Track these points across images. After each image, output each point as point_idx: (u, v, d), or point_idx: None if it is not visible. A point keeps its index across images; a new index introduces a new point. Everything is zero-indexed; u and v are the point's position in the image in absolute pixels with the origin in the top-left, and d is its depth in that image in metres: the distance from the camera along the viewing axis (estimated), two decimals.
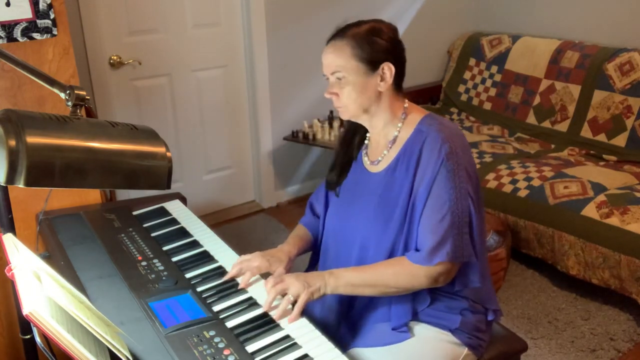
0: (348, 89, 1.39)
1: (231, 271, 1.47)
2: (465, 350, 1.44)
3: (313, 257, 1.68)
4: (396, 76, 1.40)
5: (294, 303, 1.32)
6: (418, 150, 1.38)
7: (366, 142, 1.55)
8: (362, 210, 1.47)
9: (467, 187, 1.36)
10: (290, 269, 1.51)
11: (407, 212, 1.39)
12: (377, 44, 1.38)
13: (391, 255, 1.42)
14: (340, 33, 1.41)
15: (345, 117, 1.47)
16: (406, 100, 1.48)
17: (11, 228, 1.48)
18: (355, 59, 1.37)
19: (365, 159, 1.53)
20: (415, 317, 1.44)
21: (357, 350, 1.43)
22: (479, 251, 1.42)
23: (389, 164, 1.44)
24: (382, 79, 1.39)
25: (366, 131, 1.53)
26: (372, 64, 1.38)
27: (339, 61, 1.38)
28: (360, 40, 1.37)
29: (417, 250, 1.38)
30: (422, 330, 1.44)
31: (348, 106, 1.42)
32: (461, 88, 3.98)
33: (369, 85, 1.39)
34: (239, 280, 1.45)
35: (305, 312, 1.33)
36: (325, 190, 1.64)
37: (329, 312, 1.53)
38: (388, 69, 1.39)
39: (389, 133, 1.46)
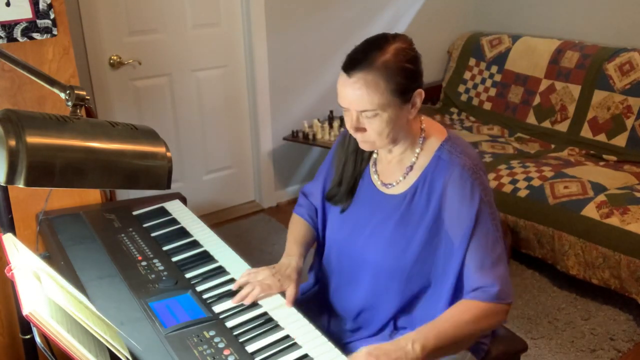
0: (381, 125, 1.26)
1: (245, 290, 1.37)
2: (468, 355, 1.44)
3: (318, 249, 1.60)
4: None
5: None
6: (441, 184, 1.29)
7: (375, 156, 1.45)
8: (374, 233, 1.38)
9: (499, 219, 1.32)
10: (299, 284, 1.42)
11: (426, 242, 1.32)
12: (408, 71, 1.25)
13: (409, 282, 1.35)
14: (366, 62, 1.23)
15: (368, 150, 1.37)
16: (422, 118, 1.38)
17: (11, 228, 1.48)
18: (391, 94, 1.24)
19: (374, 177, 1.43)
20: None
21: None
22: None
23: (406, 190, 1.36)
24: (413, 106, 1.29)
25: None
26: (405, 95, 1.26)
27: (373, 98, 1.23)
28: (393, 70, 1.23)
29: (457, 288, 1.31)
30: None
31: (376, 142, 1.31)
32: (461, 88, 3.98)
33: (401, 116, 1.28)
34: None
35: (312, 321, 1.30)
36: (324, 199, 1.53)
37: (337, 326, 1.51)
38: (419, 96, 1.28)
39: (405, 158, 1.37)
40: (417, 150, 1.36)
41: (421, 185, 1.33)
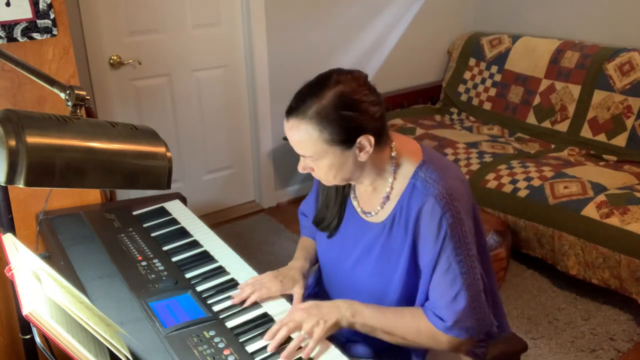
0: (324, 169, 1.25)
1: (244, 292, 1.37)
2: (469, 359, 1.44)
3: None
4: (376, 136, 1.23)
5: None
6: (415, 214, 1.25)
7: (353, 182, 1.39)
8: (359, 262, 1.37)
9: (474, 250, 1.27)
10: (306, 285, 1.44)
11: (409, 270, 1.30)
12: (348, 119, 1.18)
13: (400, 303, 1.33)
14: (301, 109, 1.20)
15: (327, 184, 1.35)
16: (393, 145, 1.30)
17: (11, 228, 1.48)
18: (325, 143, 1.19)
19: (355, 203, 1.40)
20: None
21: None
22: (491, 300, 1.38)
23: (384, 220, 1.32)
24: (362, 150, 1.22)
25: None
26: (346, 143, 1.20)
27: (307, 146, 1.21)
28: (327, 120, 1.18)
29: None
30: None
31: (328, 181, 1.30)
32: (461, 88, 3.98)
33: (347, 160, 1.23)
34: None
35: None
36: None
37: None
38: (367, 141, 1.21)
39: (379, 187, 1.32)
40: (390, 180, 1.30)
41: (398, 215, 1.29)
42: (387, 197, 1.31)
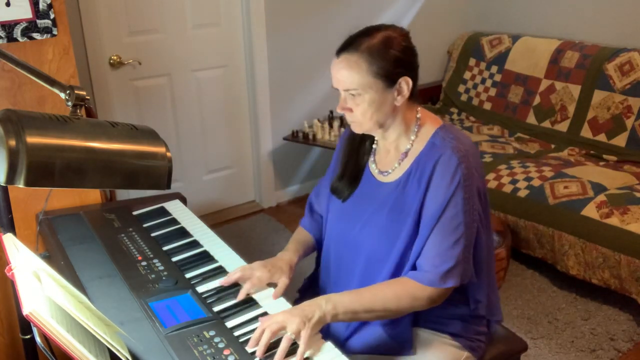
0: (364, 105, 1.33)
1: (232, 276, 1.42)
2: (465, 354, 1.44)
3: (318, 258, 1.64)
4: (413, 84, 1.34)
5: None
6: (431, 167, 1.33)
7: (374, 146, 1.49)
8: (369, 221, 1.42)
9: (479, 208, 1.33)
10: (292, 277, 1.46)
11: (415, 229, 1.34)
12: (394, 58, 1.30)
13: (398, 270, 1.36)
14: (353, 45, 1.32)
15: (358, 132, 1.42)
16: (419, 109, 1.41)
17: (11, 228, 1.48)
18: (372, 75, 1.30)
19: (372, 166, 1.48)
20: (415, 323, 1.43)
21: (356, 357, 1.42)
22: (485, 268, 1.40)
23: (399, 177, 1.39)
24: (399, 93, 1.33)
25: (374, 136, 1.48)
26: (390, 80, 1.31)
27: (354, 78, 1.31)
28: (377, 54, 1.29)
29: (414, 268, 1.34)
30: (422, 334, 1.44)
31: (363, 123, 1.37)
32: (461, 88, 3.98)
33: (386, 101, 1.33)
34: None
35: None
36: (329, 192, 1.56)
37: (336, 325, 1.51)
38: (405, 83, 1.32)
39: (400, 145, 1.41)
40: (412, 137, 1.40)
41: (414, 171, 1.36)
42: (406, 154, 1.40)
